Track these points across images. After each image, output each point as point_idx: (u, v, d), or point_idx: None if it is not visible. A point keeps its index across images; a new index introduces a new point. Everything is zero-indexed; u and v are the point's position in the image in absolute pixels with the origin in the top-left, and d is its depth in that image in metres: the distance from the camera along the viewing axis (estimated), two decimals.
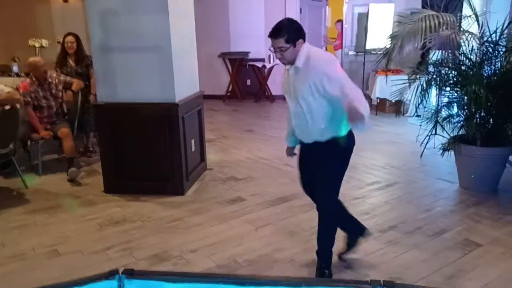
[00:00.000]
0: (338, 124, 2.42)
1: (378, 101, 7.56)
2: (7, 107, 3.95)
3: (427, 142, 5.05)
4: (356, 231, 2.89)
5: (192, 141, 4.27)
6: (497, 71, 3.81)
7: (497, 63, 3.82)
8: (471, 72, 3.91)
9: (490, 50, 3.83)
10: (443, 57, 4.11)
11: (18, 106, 4.09)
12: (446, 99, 4.26)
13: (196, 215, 3.64)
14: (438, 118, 4.47)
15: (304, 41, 2.39)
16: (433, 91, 4.45)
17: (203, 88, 4.64)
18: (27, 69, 4.93)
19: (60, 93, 4.72)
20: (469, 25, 4.02)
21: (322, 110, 2.38)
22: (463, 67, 3.99)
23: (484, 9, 4.42)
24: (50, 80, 4.66)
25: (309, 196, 2.79)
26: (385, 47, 4.50)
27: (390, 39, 4.41)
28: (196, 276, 1.16)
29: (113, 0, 3.75)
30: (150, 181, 4.05)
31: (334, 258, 2.76)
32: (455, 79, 4.06)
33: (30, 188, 4.31)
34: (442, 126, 4.41)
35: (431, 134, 5.00)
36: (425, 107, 4.44)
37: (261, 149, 5.46)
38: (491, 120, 3.95)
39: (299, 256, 2.96)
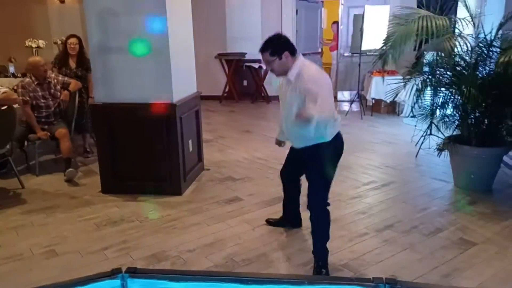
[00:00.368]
0: (324, 131, 2.61)
1: (373, 102, 7.61)
2: (4, 107, 3.94)
3: (422, 142, 5.10)
4: (293, 219, 3.26)
5: (190, 141, 4.29)
6: (492, 72, 3.85)
7: (491, 64, 3.86)
8: (465, 73, 3.95)
9: (485, 52, 3.87)
10: (438, 58, 4.15)
11: (15, 106, 4.08)
12: (441, 100, 4.30)
13: (193, 215, 3.65)
14: (433, 119, 4.52)
15: (293, 54, 2.57)
16: (428, 92, 4.48)
17: (199, 88, 4.66)
18: (26, 68, 4.92)
19: (59, 93, 4.72)
20: (464, 26, 4.06)
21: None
22: (457, 68, 4.02)
23: (479, 10, 4.46)
24: (49, 79, 4.66)
25: (282, 181, 3.16)
26: (380, 48, 4.53)
27: (385, 40, 4.44)
28: (199, 274, 1.16)
29: (111, 1, 3.76)
30: (147, 181, 4.05)
31: (331, 258, 2.79)
32: (450, 80, 4.10)
33: (27, 188, 4.31)
34: (437, 126, 4.45)
35: (426, 135, 5.05)
36: (420, 107, 4.48)
37: (258, 149, 5.48)
38: (485, 120, 3.99)
39: (296, 255, 2.97)
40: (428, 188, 4.18)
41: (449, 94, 4.14)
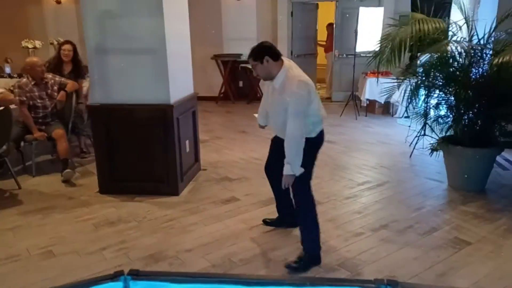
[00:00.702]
0: (311, 128, 2.80)
1: (367, 102, 7.66)
2: (0, 108, 3.94)
3: (416, 143, 5.15)
4: (288, 218, 3.30)
5: (187, 142, 4.30)
6: (485, 74, 3.90)
7: (484, 65, 3.92)
8: (459, 74, 4.00)
9: (478, 53, 3.92)
10: (431, 60, 4.19)
11: (12, 106, 4.08)
12: (435, 101, 4.35)
13: (191, 215, 3.67)
14: (427, 120, 4.57)
15: (275, 59, 2.72)
16: (422, 93, 4.53)
17: (196, 89, 4.67)
18: (23, 69, 4.91)
19: (56, 94, 4.72)
20: (458, 29, 4.11)
21: (285, 120, 2.74)
22: (451, 69, 4.07)
23: (472, 13, 4.52)
24: (46, 80, 4.66)
25: (267, 176, 3.27)
26: (374, 50, 4.58)
27: (380, 42, 4.49)
28: (202, 276, 1.17)
29: (108, 2, 3.77)
30: (145, 181, 4.07)
31: (327, 258, 2.82)
32: (443, 81, 4.15)
33: (23, 189, 4.30)
34: (431, 127, 4.50)
35: (420, 135, 5.10)
36: (414, 108, 4.53)
37: (255, 149, 5.50)
38: (479, 121, 4.04)
39: (293, 254, 2.99)
40: (422, 188, 4.22)
41: (443, 95, 4.19)
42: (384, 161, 5.10)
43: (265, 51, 2.73)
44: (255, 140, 6.05)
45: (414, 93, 4.24)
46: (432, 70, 4.09)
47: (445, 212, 3.70)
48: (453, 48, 3.93)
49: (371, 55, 4.73)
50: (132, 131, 3.97)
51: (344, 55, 8.69)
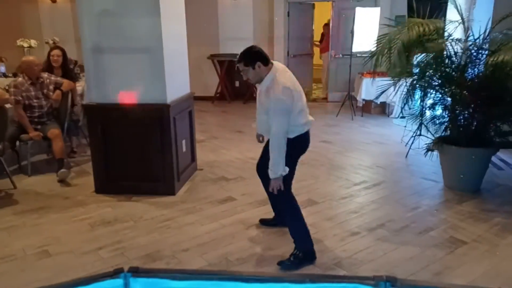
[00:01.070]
0: (292, 129, 2.85)
1: (363, 102, 7.69)
2: None
3: (412, 143, 5.17)
4: (284, 218, 3.23)
5: (183, 141, 4.30)
6: (480, 74, 3.92)
7: (480, 65, 3.94)
8: (455, 74, 4.01)
9: (474, 54, 3.94)
10: (427, 60, 4.21)
11: (7, 106, 4.06)
12: (430, 101, 4.37)
13: (187, 215, 3.67)
14: (423, 120, 4.58)
15: (265, 64, 2.76)
16: (418, 93, 4.55)
17: (192, 89, 4.67)
18: (20, 68, 4.89)
19: (52, 93, 4.70)
20: (454, 29, 4.13)
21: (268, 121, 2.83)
22: (447, 69, 4.09)
23: (467, 13, 4.54)
24: (42, 79, 4.64)
25: (259, 176, 3.28)
26: (370, 50, 4.59)
27: (376, 42, 4.51)
28: (202, 273, 1.17)
29: (104, 1, 3.76)
30: (141, 181, 4.06)
31: (324, 257, 2.82)
32: (439, 81, 4.17)
33: (19, 189, 4.28)
34: (426, 127, 4.51)
35: (416, 135, 5.11)
36: (410, 108, 4.54)
37: (251, 149, 5.50)
38: (474, 121, 4.06)
39: (289, 254, 3.00)
40: (418, 188, 4.24)
41: (439, 95, 4.21)
42: (380, 161, 5.12)
43: (257, 57, 2.77)
44: (252, 140, 6.00)
45: (410, 93, 4.26)
46: (428, 69, 4.11)
47: (441, 211, 3.71)
48: (449, 47, 3.95)
49: (367, 55, 4.74)
50: (129, 130, 3.96)
51: (341, 55, 8.71)
